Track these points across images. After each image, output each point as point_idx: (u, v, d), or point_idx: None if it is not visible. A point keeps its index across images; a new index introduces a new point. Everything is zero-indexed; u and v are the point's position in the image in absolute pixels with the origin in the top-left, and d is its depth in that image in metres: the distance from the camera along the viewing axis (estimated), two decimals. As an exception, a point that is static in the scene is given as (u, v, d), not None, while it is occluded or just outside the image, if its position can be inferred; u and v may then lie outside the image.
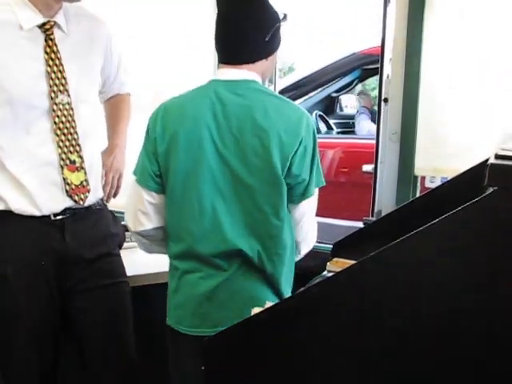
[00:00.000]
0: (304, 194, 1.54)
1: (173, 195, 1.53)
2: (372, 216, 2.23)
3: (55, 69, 1.58)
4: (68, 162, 1.61)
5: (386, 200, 2.16)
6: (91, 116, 1.70)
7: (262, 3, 1.52)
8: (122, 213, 1.68)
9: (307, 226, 1.61)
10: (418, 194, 2.14)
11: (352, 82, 5.14)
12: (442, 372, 0.99)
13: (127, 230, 1.71)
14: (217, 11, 1.54)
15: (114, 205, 1.85)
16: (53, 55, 1.58)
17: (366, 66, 4.53)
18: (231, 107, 1.48)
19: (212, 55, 2.19)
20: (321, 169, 1.58)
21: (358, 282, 1.01)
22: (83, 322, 1.72)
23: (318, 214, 1.64)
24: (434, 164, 2.08)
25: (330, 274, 1.39)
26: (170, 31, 2.43)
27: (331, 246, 1.54)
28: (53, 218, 1.62)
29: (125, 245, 1.88)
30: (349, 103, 5.96)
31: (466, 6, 1.94)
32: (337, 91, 5.28)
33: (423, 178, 2.35)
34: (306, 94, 4.73)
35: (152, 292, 1.95)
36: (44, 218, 1.60)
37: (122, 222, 1.78)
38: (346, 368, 1.04)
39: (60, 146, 1.60)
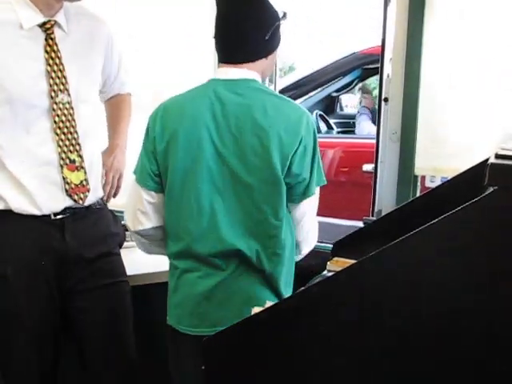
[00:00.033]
0: (305, 194, 1.54)
1: (171, 194, 1.53)
2: (372, 215, 2.23)
3: (55, 68, 1.58)
4: (68, 161, 1.61)
5: (386, 200, 2.16)
6: (91, 115, 1.70)
7: (262, 2, 1.52)
8: (122, 212, 1.69)
9: (308, 226, 1.61)
10: (418, 194, 2.14)
11: (352, 81, 5.15)
12: (442, 372, 0.99)
13: (127, 230, 1.71)
14: (216, 11, 1.54)
15: (113, 204, 1.86)
16: (53, 54, 1.58)
17: (366, 65, 4.53)
18: (230, 106, 1.48)
19: (212, 55, 2.18)
20: (322, 168, 1.58)
21: (358, 281, 1.01)
22: (83, 321, 1.72)
23: (318, 214, 1.64)
24: (434, 164, 2.08)
25: (330, 274, 1.39)
26: (169, 31, 2.43)
27: (331, 246, 1.54)
28: (53, 217, 1.62)
29: (125, 244, 1.88)
30: (349, 103, 5.97)
31: (466, 6, 1.93)
32: (337, 91, 5.28)
33: (423, 177, 2.34)
34: (307, 93, 4.74)
35: (152, 291, 1.95)
36: (44, 218, 1.60)
37: (122, 222, 1.78)
38: (346, 368, 1.03)
39: (60, 146, 1.60)
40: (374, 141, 2.26)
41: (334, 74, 4.58)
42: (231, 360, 1.12)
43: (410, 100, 2.06)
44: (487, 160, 1.01)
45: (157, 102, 1.59)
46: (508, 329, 0.94)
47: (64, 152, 1.60)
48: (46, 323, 1.65)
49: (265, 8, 1.52)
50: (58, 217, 1.62)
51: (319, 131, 4.42)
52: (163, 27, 2.43)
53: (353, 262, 1.06)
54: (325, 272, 1.47)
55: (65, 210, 1.63)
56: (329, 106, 5.38)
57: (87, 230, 1.68)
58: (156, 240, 1.66)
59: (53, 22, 1.58)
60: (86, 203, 1.67)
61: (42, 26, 1.57)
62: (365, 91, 5.34)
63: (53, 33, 1.58)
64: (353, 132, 5.11)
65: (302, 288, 1.19)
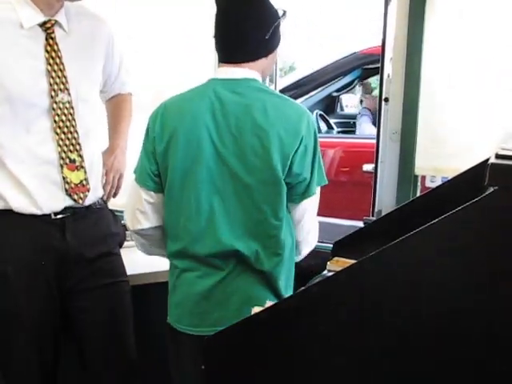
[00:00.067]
0: (305, 194, 1.54)
1: (171, 194, 1.53)
2: (372, 215, 2.23)
3: (55, 67, 1.58)
4: (68, 160, 1.61)
5: (386, 199, 2.16)
6: (92, 115, 1.70)
7: (262, 1, 1.52)
8: (123, 212, 1.69)
9: (308, 226, 1.61)
10: (418, 194, 2.14)
11: (352, 81, 5.15)
12: (442, 372, 0.99)
13: (127, 229, 1.71)
14: (216, 10, 1.53)
15: (114, 204, 1.86)
16: (53, 54, 1.58)
17: (367, 65, 4.53)
18: (230, 106, 1.48)
19: (212, 55, 2.18)
20: (323, 167, 1.57)
21: (358, 281, 1.01)
22: (83, 321, 1.72)
23: (318, 214, 1.64)
24: (435, 163, 2.08)
25: (330, 274, 1.39)
26: (170, 31, 2.43)
27: (331, 246, 1.54)
28: (53, 216, 1.62)
29: (125, 244, 1.88)
30: (349, 103, 5.96)
31: (466, 6, 1.93)
32: (337, 91, 5.28)
33: (423, 177, 2.34)
34: (307, 93, 4.73)
35: (152, 291, 1.95)
36: (44, 217, 1.60)
37: (122, 221, 1.78)
38: (346, 368, 1.03)
39: (60, 145, 1.60)
40: (375, 141, 2.26)
41: (334, 73, 4.58)
42: (231, 360, 1.12)
43: (411, 100, 2.06)
44: (487, 160, 1.01)
45: (157, 102, 1.59)
46: (508, 329, 0.94)
47: (64, 151, 1.60)
48: (46, 323, 1.65)
49: (265, 7, 1.51)
50: (59, 216, 1.62)
51: (319, 131, 4.42)
52: (163, 27, 2.42)
53: (353, 261, 1.06)
54: (325, 272, 1.47)
55: (65, 210, 1.63)
56: (329, 105, 5.37)
57: (88, 230, 1.68)
58: (155, 240, 1.66)
59: (53, 22, 1.58)
60: (86, 203, 1.67)
61: (42, 25, 1.57)
62: (366, 91, 5.33)
63: (53, 32, 1.58)
64: (353, 132, 5.10)
65: (302, 288, 1.19)
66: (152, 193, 1.57)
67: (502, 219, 0.92)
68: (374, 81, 5.24)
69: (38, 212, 1.59)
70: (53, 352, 1.69)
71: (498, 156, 0.96)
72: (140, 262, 1.90)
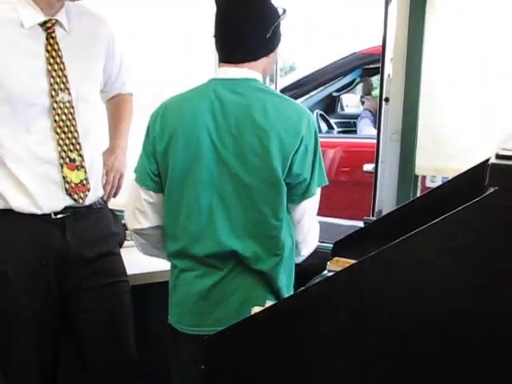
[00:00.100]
0: (305, 194, 1.53)
1: (171, 194, 1.53)
2: (372, 215, 2.23)
3: (56, 67, 1.58)
4: (68, 160, 1.61)
5: (386, 199, 2.16)
6: (92, 115, 1.70)
7: (262, 1, 1.51)
8: (123, 212, 1.69)
9: (307, 226, 1.60)
10: (418, 194, 2.14)
11: (353, 81, 5.14)
12: (442, 372, 0.99)
13: (127, 229, 1.71)
14: (216, 9, 1.53)
15: (114, 204, 1.86)
16: (54, 53, 1.58)
17: (367, 65, 4.53)
18: (230, 106, 1.47)
19: (212, 55, 2.18)
20: (323, 168, 1.57)
21: (358, 281, 1.01)
22: (83, 321, 1.72)
23: (318, 213, 1.63)
24: (435, 164, 2.08)
25: (330, 274, 1.39)
26: (170, 31, 2.43)
27: (332, 246, 1.54)
28: (53, 216, 1.62)
29: (125, 244, 1.88)
30: (350, 102, 5.96)
31: (467, 6, 1.93)
32: (338, 90, 5.27)
33: (424, 177, 2.35)
34: (307, 93, 4.73)
35: (152, 291, 1.95)
36: (44, 217, 1.60)
37: (123, 221, 1.78)
38: (346, 368, 1.03)
39: (60, 145, 1.60)
40: (375, 140, 2.26)
41: (334, 73, 4.58)
42: (231, 360, 1.12)
43: (411, 100, 2.06)
44: (488, 160, 1.01)
45: (157, 102, 1.59)
46: (508, 329, 0.94)
47: (64, 151, 1.60)
48: (46, 323, 1.65)
49: (265, 6, 1.51)
50: (59, 216, 1.62)
51: (320, 131, 4.41)
52: (163, 27, 2.43)
53: (353, 261, 1.06)
54: (325, 272, 1.47)
55: (65, 210, 1.63)
56: (329, 105, 5.37)
57: (88, 230, 1.68)
58: (155, 241, 1.65)
59: (54, 21, 1.58)
60: (87, 202, 1.67)
61: (42, 24, 1.57)
62: (366, 89, 5.32)
63: (54, 32, 1.58)
64: (353, 132, 5.10)
65: (302, 288, 1.19)
66: (152, 192, 1.57)
67: (502, 219, 0.92)
68: (374, 80, 5.23)
69: (38, 212, 1.59)
70: (53, 352, 1.69)
71: (498, 156, 0.96)
72: (140, 261, 1.89)
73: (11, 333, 1.63)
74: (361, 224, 2.14)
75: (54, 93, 1.58)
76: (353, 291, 1.02)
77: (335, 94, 5.36)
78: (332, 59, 4.46)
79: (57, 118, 1.59)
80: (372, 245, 1.04)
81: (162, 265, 1.75)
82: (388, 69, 2.17)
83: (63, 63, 1.59)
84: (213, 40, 1.54)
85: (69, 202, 1.63)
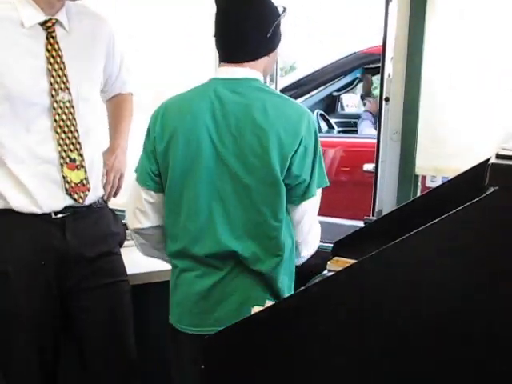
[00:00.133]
0: (304, 195, 1.52)
1: (171, 194, 1.53)
2: (373, 215, 2.23)
3: (56, 66, 1.58)
4: (68, 160, 1.61)
5: (386, 199, 2.16)
6: (92, 114, 1.70)
7: (262, 0, 1.51)
8: (123, 211, 1.69)
9: (307, 227, 1.59)
10: (418, 194, 2.14)
11: (353, 81, 5.15)
12: (442, 372, 0.99)
13: (128, 229, 1.71)
14: (216, 9, 1.52)
15: (114, 203, 1.86)
16: (54, 53, 1.58)
17: (367, 65, 4.53)
18: (230, 106, 1.47)
19: (213, 54, 2.18)
20: (324, 169, 1.56)
21: (358, 281, 1.01)
22: (83, 321, 1.72)
23: (318, 213, 1.62)
24: (435, 163, 2.08)
25: (331, 273, 1.39)
26: (170, 31, 2.43)
27: (332, 245, 1.54)
28: (53, 216, 1.62)
29: (125, 243, 1.88)
30: (350, 102, 5.96)
31: (467, 6, 1.93)
32: (338, 90, 5.28)
33: (424, 177, 2.34)
34: (307, 92, 4.74)
35: (152, 290, 1.95)
36: (44, 216, 1.60)
37: (123, 221, 1.78)
38: (346, 368, 1.03)
39: (60, 144, 1.60)
40: (375, 140, 2.26)
41: (334, 73, 4.59)
42: (231, 359, 1.12)
43: (411, 100, 2.06)
44: (488, 160, 1.01)
45: (157, 101, 1.59)
46: (508, 329, 0.94)
47: (64, 151, 1.60)
48: (46, 323, 1.65)
49: (265, 5, 1.50)
50: (59, 216, 1.62)
51: (320, 131, 4.42)
52: (163, 27, 2.42)
53: (353, 261, 1.06)
54: (325, 272, 1.47)
55: (65, 209, 1.63)
56: (330, 105, 5.37)
57: (88, 229, 1.68)
58: (155, 241, 1.65)
59: (54, 21, 1.58)
60: (87, 202, 1.67)
61: (43, 24, 1.57)
62: (367, 93, 5.33)
63: (54, 31, 1.58)
64: (354, 131, 5.10)
65: (302, 288, 1.19)
66: (152, 192, 1.57)
67: (502, 219, 0.92)
68: (374, 80, 5.23)
69: (38, 211, 1.59)
70: (53, 352, 1.69)
71: (498, 156, 0.96)
72: (140, 261, 1.89)
73: (11, 333, 1.62)
74: (361, 224, 2.14)
75: (54, 92, 1.58)
76: (353, 291, 1.02)
77: (335, 94, 5.36)
78: (332, 59, 4.46)
79: (57, 117, 1.59)
80: (372, 245, 1.04)
81: (161, 265, 1.75)
82: (388, 68, 2.17)
83: (63, 63, 1.59)
84: (213, 40, 1.54)
85: (69, 201, 1.63)
